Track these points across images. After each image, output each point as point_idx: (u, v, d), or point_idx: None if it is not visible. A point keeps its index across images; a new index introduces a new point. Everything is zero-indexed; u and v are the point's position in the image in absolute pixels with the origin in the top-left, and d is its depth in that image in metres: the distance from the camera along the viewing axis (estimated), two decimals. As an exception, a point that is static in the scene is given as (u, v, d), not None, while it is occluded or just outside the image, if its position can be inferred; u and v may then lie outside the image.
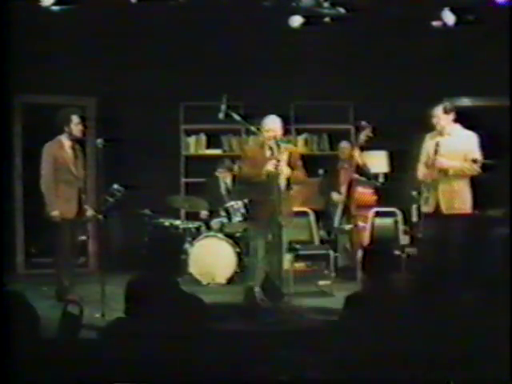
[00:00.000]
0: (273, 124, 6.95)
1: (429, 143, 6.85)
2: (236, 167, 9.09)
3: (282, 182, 6.78)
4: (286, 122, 9.46)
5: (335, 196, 8.56)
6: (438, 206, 6.75)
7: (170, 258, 4.37)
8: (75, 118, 6.93)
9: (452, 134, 6.75)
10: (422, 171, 6.83)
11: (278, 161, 6.70)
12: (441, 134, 6.73)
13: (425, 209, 6.80)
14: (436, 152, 6.65)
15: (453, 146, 6.71)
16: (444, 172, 6.64)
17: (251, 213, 7.36)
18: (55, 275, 6.96)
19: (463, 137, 6.79)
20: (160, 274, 4.13)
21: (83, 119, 7.05)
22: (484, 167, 6.76)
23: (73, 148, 6.97)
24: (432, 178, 6.67)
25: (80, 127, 6.93)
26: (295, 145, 9.54)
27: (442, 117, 6.71)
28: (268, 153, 6.87)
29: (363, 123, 8.07)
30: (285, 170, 6.77)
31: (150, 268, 4.23)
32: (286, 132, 9.50)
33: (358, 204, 8.33)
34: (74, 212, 6.88)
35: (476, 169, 6.68)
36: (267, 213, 6.80)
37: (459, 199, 6.77)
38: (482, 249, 7.61)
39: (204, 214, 8.73)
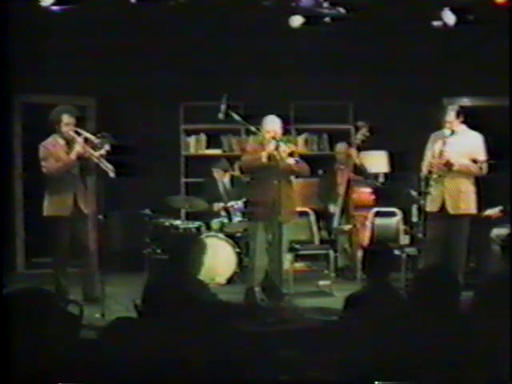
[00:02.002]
0: (272, 124, 6.96)
1: (433, 143, 6.86)
2: (235, 166, 9.11)
3: (284, 162, 6.77)
4: (285, 122, 9.51)
5: (331, 208, 8.52)
6: (443, 206, 6.76)
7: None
8: (66, 118, 6.89)
9: (458, 133, 6.78)
10: (427, 167, 6.85)
11: (278, 142, 6.74)
12: (442, 136, 6.76)
13: (430, 208, 6.81)
14: (442, 151, 6.67)
15: (459, 145, 6.74)
16: (449, 166, 6.66)
17: (250, 211, 7.36)
18: (54, 275, 6.97)
19: (469, 137, 6.84)
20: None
21: (78, 119, 7.00)
22: (490, 168, 6.81)
23: (68, 146, 6.93)
24: (438, 171, 6.67)
25: (71, 127, 6.88)
26: (295, 144, 9.55)
27: (454, 122, 6.75)
28: (264, 154, 6.86)
29: (359, 123, 8.09)
30: (285, 153, 6.78)
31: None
32: (286, 132, 9.55)
33: (357, 204, 8.33)
34: (70, 210, 6.87)
35: (483, 169, 6.72)
36: (267, 211, 6.81)
37: (465, 200, 6.79)
38: (485, 249, 7.62)
39: (217, 205, 8.64)
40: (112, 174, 6.66)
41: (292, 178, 8.96)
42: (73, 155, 6.78)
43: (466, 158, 6.80)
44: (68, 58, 8.48)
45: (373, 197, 8.48)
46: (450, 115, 6.76)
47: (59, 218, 6.86)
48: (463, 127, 6.84)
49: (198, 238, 7.98)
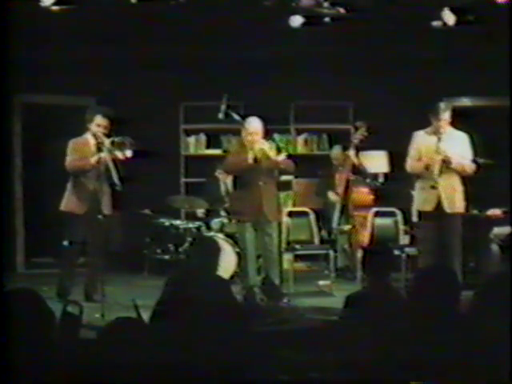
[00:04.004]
0: (254, 126, 6.95)
1: (422, 141, 6.87)
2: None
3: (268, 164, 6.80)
4: (285, 122, 9.53)
5: (332, 196, 8.55)
6: (437, 205, 6.76)
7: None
8: (98, 119, 6.93)
9: (446, 133, 6.80)
10: (411, 165, 6.88)
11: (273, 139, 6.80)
12: (435, 133, 6.77)
13: (423, 207, 6.82)
14: (438, 148, 6.68)
15: (448, 145, 6.75)
16: (448, 162, 6.67)
17: (237, 212, 7.34)
18: (59, 273, 6.98)
19: (456, 137, 6.87)
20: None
21: (111, 122, 7.00)
22: (479, 167, 6.85)
23: (97, 147, 6.92)
24: (435, 168, 6.69)
25: (101, 128, 6.89)
26: (294, 145, 9.57)
27: (448, 122, 6.77)
28: (250, 155, 6.86)
29: (358, 123, 8.09)
30: (272, 153, 6.83)
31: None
32: (286, 132, 9.58)
33: (356, 204, 8.33)
34: (86, 209, 6.87)
35: (474, 169, 6.76)
36: (253, 212, 6.83)
37: (459, 198, 6.81)
38: (484, 249, 7.63)
39: (200, 212, 8.72)
40: (118, 187, 6.70)
41: (291, 177, 9.03)
42: (93, 159, 6.78)
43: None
44: (68, 57, 8.49)
45: (372, 196, 8.48)
46: (446, 114, 6.77)
47: (74, 215, 6.87)
48: (450, 127, 6.87)
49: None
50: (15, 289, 3.03)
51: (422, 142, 6.88)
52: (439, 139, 6.71)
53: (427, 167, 6.75)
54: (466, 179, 6.88)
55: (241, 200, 7.09)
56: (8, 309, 2.84)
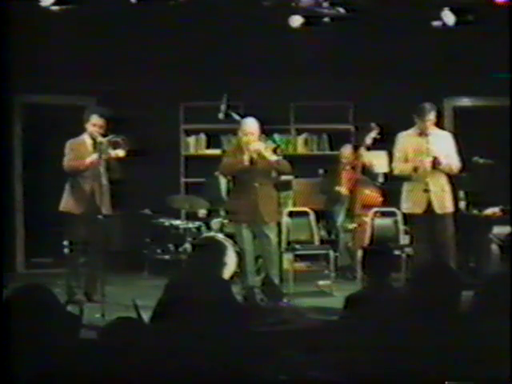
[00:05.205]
0: (250, 127, 6.94)
1: (407, 142, 6.87)
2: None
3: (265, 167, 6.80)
4: (286, 122, 9.53)
5: (341, 189, 8.51)
6: (428, 207, 6.74)
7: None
8: (94, 118, 6.95)
9: (432, 134, 6.81)
10: (398, 167, 6.89)
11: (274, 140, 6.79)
12: (421, 134, 6.79)
13: (413, 210, 6.81)
14: (427, 149, 6.69)
15: (435, 145, 6.77)
16: (437, 164, 6.68)
17: (232, 214, 7.34)
18: (66, 273, 6.98)
19: (442, 137, 6.89)
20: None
21: (107, 121, 7.00)
22: (465, 166, 6.91)
23: (94, 147, 6.91)
24: (424, 169, 6.70)
25: (96, 128, 6.90)
26: (294, 144, 9.57)
27: (433, 122, 6.80)
28: (246, 157, 6.85)
29: (372, 124, 8.09)
30: (268, 150, 6.82)
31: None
32: (286, 132, 9.58)
33: (364, 204, 8.32)
34: (83, 209, 6.86)
35: (460, 168, 6.81)
36: (249, 213, 6.82)
37: (448, 198, 6.82)
38: (484, 249, 7.63)
39: (202, 212, 8.74)
40: (105, 182, 6.71)
41: (291, 177, 9.03)
42: (88, 160, 6.79)
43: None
44: (68, 58, 8.48)
45: (380, 197, 8.48)
46: (432, 115, 6.78)
47: (72, 215, 6.88)
48: (434, 128, 6.89)
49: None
50: (26, 285, 3.04)
51: (407, 143, 6.89)
52: (427, 140, 6.72)
53: (415, 169, 6.75)
54: (453, 179, 6.91)
55: (237, 201, 7.08)
56: (12, 307, 2.85)
